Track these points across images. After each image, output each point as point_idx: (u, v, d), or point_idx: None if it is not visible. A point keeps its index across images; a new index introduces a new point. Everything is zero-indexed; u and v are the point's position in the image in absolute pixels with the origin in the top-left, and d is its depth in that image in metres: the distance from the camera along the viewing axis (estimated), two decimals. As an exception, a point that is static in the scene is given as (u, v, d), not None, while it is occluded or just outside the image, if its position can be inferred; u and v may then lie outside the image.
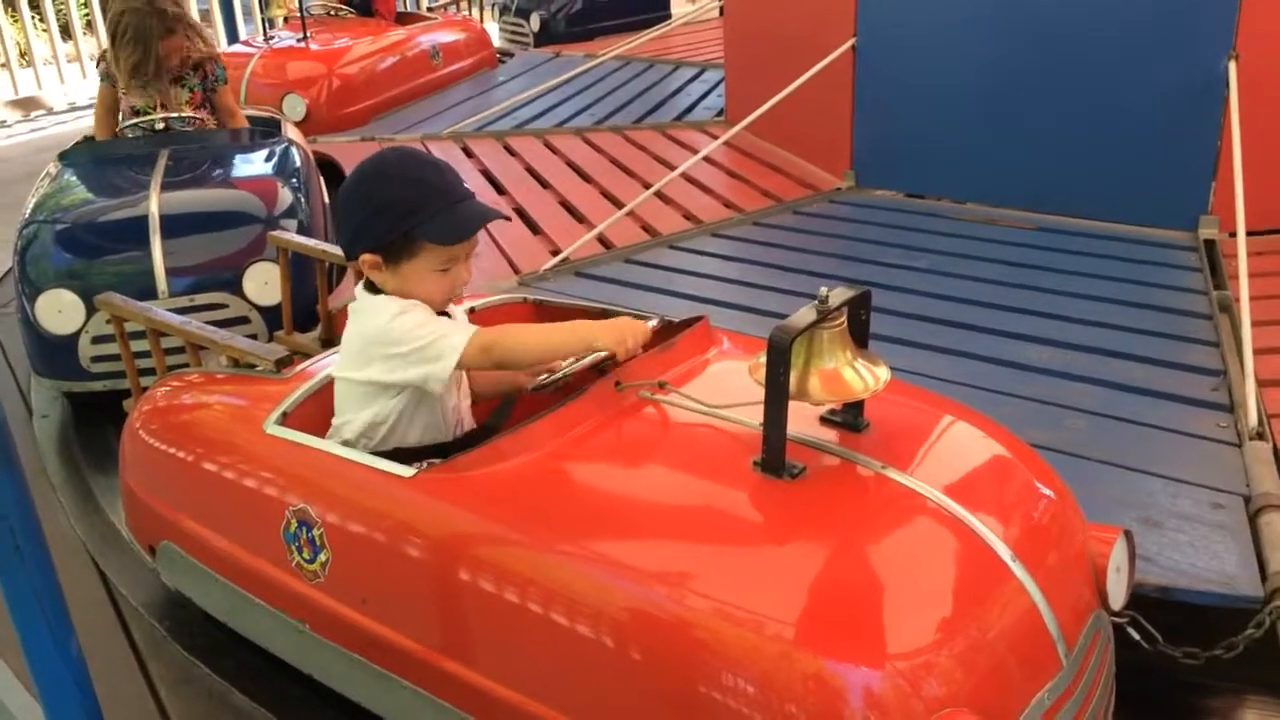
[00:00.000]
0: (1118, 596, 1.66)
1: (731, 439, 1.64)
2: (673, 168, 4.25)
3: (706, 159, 4.47)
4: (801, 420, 1.66)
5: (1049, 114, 3.62)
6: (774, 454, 1.54)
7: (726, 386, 1.76)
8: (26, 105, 8.22)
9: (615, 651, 1.44)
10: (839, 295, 1.58)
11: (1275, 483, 2.11)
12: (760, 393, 1.52)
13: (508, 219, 1.93)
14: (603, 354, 1.77)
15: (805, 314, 1.53)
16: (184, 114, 3.64)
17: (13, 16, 8.70)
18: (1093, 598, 1.61)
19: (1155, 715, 1.95)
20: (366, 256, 1.77)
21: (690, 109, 5.51)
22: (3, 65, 8.43)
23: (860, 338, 1.64)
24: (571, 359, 1.81)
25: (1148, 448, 2.26)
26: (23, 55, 8.77)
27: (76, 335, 3.01)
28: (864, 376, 1.56)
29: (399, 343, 1.75)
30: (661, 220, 3.86)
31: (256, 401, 2.02)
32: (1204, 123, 3.33)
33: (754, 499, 1.56)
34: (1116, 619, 1.75)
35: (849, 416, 1.67)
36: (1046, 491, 1.66)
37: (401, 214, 1.73)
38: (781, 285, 3.20)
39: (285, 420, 1.95)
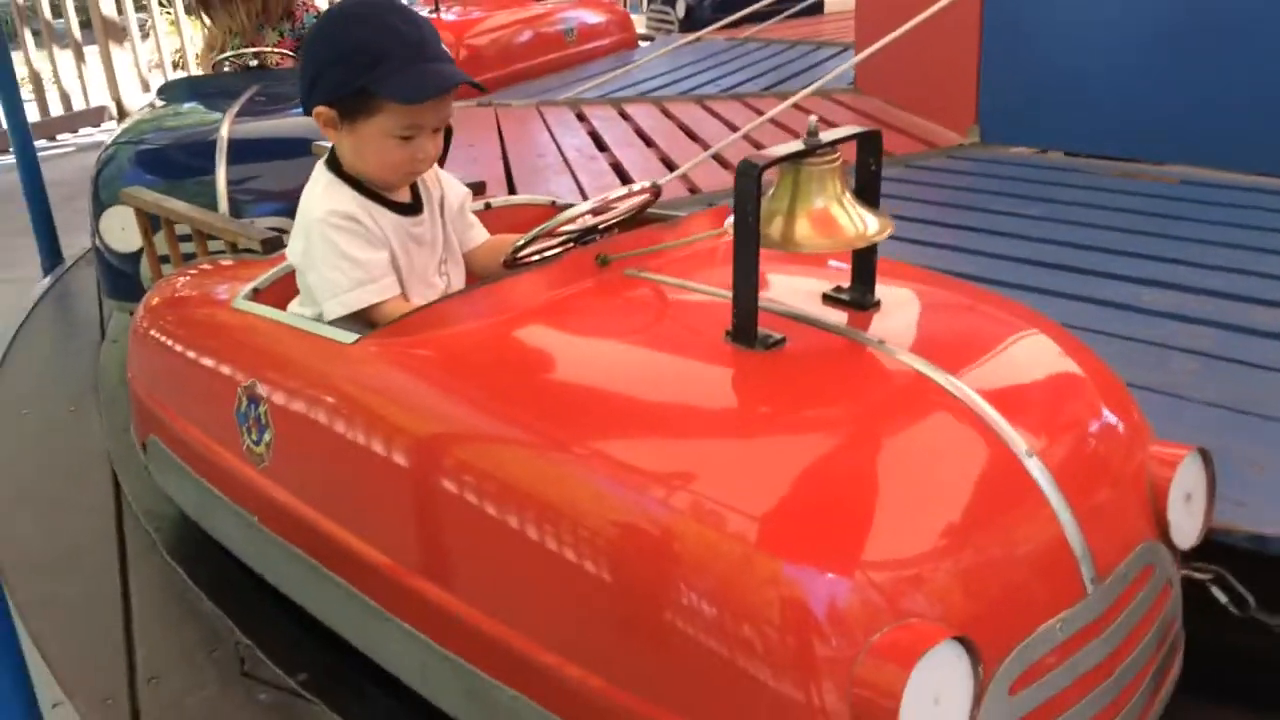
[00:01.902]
0: (1185, 530, 1.31)
1: (712, 311, 1.38)
2: (790, 131, 3.98)
3: (829, 123, 4.18)
4: (801, 296, 1.40)
5: (1208, 61, 3.16)
6: (743, 318, 1.28)
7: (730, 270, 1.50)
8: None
9: (542, 541, 1.20)
10: (838, 132, 1.30)
11: None
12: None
13: (482, 89, 1.70)
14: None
15: (789, 145, 1.26)
16: (267, 49, 3.62)
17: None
18: (1147, 526, 1.27)
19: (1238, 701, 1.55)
20: (321, 109, 1.59)
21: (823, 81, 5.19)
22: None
23: (869, 193, 1.35)
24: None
25: (1269, 392, 1.86)
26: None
27: (138, 254, 2.96)
28: (856, 220, 1.26)
29: (311, 261, 1.60)
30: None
31: (240, 284, 1.87)
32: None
33: (720, 372, 1.31)
34: (1198, 575, 1.40)
35: (857, 294, 1.39)
36: (1097, 392, 1.33)
37: (362, 64, 1.53)
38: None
39: (256, 296, 1.78)
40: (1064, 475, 1.17)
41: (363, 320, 1.57)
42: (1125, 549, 1.21)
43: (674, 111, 4.68)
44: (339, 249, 1.56)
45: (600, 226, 1.63)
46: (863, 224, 1.26)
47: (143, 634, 1.88)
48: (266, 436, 1.61)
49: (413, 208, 1.67)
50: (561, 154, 4.06)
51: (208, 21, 3.82)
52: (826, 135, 1.27)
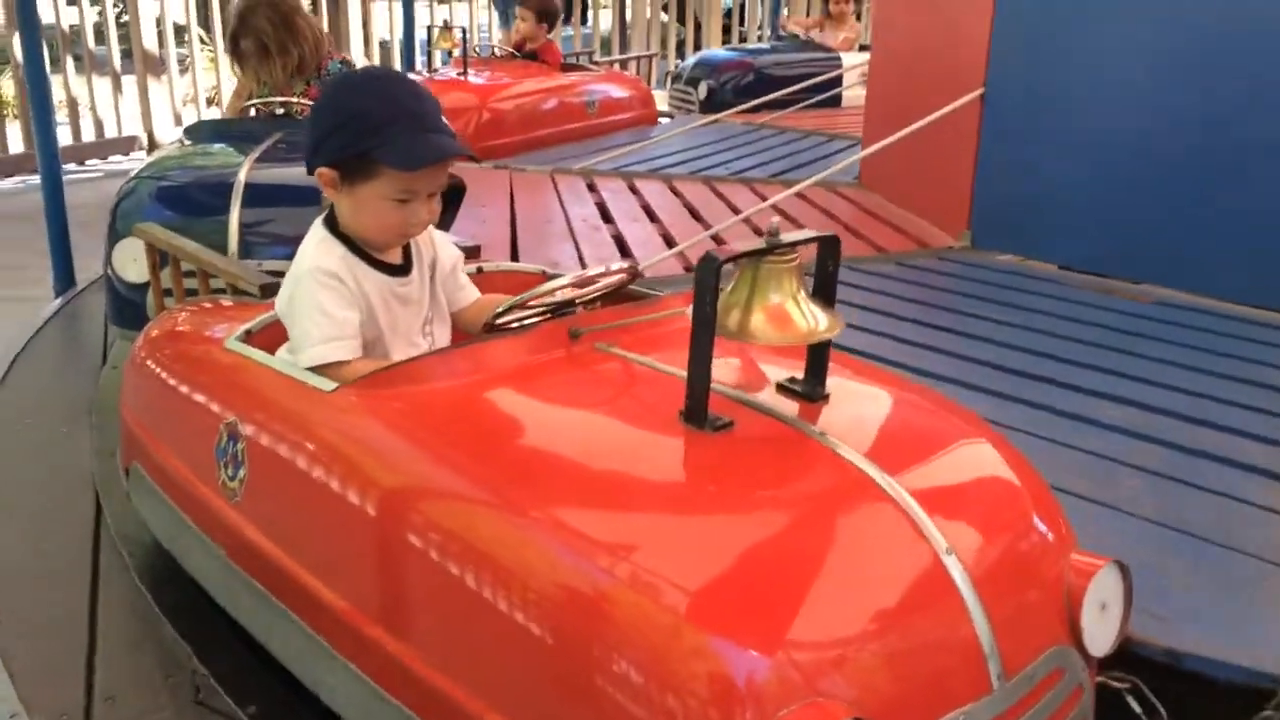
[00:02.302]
0: (1099, 639, 1.37)
1: (671, 389, 1.45)
2: (791, 218, 4.10)
3: (829, 215, 4.32)
4: (756, 384, 1.48)
5: (1190, 191, 3.29)
6: (695, 400, 1.35)
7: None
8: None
9: (484, 592, 1.27)
10: (798, 235, 1.39)
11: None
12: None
13: (476, 160, 1.81)
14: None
15: (751, 244, 1.35)
16: (293, 100, 3.74)
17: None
18: (1061, 631, 1.33)
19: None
20: (323, 170, 1.69)
21: (827, 173, 5.34)
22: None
23: (826, 291, 1.44)
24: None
25: (1214, 516, 1.93)
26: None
27: (147, 285, 3.05)
28: (809, 318, 1.34)
29: (293, 310, 1.70)
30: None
31: (237, 324, 1.96)
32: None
33: (670, 450, 1.38)
34: (1114, 683, 1.46)
35: (808, 386, 1.46)
36: (1026, 499, 1.40)
37: (364, 129, 1.63)
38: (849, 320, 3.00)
39: (248, 338, 1.87)
40: (980, 575, 1.23)
41: (328, 376, 1.66)
42: (1036, 651, 1.27)
43: (682, 190, 4.81)
44: (317, 303, 1.66)
45: (578, 300, 1.72)
46: (815, 321, 1.34)
47: (105, 654, 1.93)
48: (241, 473, 1.69)
49: (402, 269, 1.76)
50: (568, 222, 4.18)
51: (238, 72, 3.96)
52: (788, 236, 1.36)
